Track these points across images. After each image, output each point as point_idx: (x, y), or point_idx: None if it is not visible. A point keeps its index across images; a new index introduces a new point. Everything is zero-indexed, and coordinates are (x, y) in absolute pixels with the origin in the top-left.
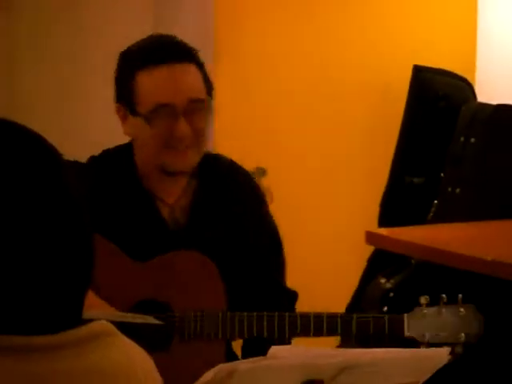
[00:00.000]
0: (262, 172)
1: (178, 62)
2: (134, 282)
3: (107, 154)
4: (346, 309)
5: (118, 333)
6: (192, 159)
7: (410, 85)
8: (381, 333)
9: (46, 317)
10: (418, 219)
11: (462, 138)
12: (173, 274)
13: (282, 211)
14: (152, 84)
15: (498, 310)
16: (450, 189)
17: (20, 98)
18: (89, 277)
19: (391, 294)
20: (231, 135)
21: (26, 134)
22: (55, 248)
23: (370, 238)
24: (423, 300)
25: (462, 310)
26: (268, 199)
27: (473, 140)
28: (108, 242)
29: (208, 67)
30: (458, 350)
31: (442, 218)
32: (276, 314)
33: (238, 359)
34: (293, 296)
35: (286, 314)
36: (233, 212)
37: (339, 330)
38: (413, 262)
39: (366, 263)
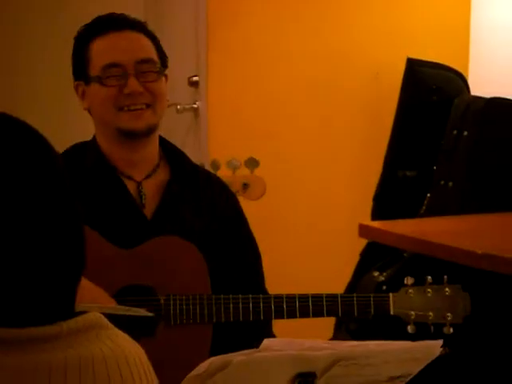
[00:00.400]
0: (255, 163)
1: (127, 28)
2: (117, 268)
3: (76, 146)
4: None
5: (111, 325)
6: (147, 119)
7: (404, 78)
8: (367, 312)
9: (37, 308)
10: (411, 212)
11: (455, 132)
12: (156, 259)
13: (275, 203)
14: (103, 47)
15: (488, 303)
16: (442, 182)
17: (16, 93)
18: (81, 268)
19: (384, 287)
20: (225, 128)
21: (19, 126)
22: (48, 239)
23: (363, 230)
24: (408, 281)
25: (447, 290)
26: (261, 191)
27: (465, 133)
28: (90, 229)
29: (201, 60)
30: (447, 330)
31: (435, 211)
32: (261, 296)
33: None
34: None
35: (272, 296)
36: (206, 200)
37: (325, 312)
38: (405, 255)
39: (359, 256)
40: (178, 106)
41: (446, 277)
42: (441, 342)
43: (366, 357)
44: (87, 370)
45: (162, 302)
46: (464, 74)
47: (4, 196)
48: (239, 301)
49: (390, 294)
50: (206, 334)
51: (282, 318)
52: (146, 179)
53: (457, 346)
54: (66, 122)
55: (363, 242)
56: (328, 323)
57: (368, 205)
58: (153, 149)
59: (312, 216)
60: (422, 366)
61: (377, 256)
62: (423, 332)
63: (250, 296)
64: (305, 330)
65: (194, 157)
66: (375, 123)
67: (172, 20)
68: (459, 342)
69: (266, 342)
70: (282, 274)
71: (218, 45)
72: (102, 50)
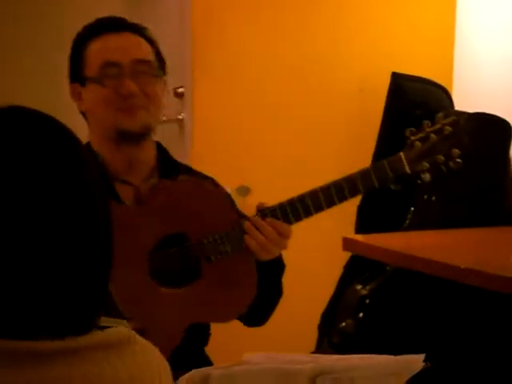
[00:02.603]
0: (246, 190)
1: (127, 30)
2: (143, 226)
3: None
4: (322, 315)
5: (136, 341)
6: (142, 119)
7: (388, 92)
8: (385, 179)
9: (56, 321)
10: (395, 226)
11: None
12: (180, 204)
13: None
14: (100, 47)
15: (470, 317)
16: (425, 196)
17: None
18: (107, 278)
19: (367, 301)
20: (209, 140)
21: (46, 120)
22: (73, 240)
23: (347, 244)
24: (408, 132)
25: (447, 127)
26: (245, 198)
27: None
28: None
29: (187, 71)
30: (453, 165)
31: (418, 225)
32: (296, 198)
33: (212, 364)
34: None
35: (305, 194)
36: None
37: (348, 193)
38: (388, 268)
39: (342, 270)
40: (163, 118)
41: (440, 114)
42: (422, 356)
43: (348, 370)
44: None
45: (198, 242)
46: (448, 88)
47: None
48: (277, 212)
49: (401, 153)
50: (251, 259)
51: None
52: (143, 183)
53: (438, 361)
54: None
55: (347, 255)
56: (310, 337)
57: (352, 218)
58: (149, 152)
59: (296, 229)
60: (403, 381)
61: (360, 269)
62: (438, 173)
63: (286, 202)
64: (287, 344)
65: None
66: (359, 137)
67: (157, 30)
68: (441, 357)
69: (247, 355)
70: None
71: (204, 56)
72: (99, 50)
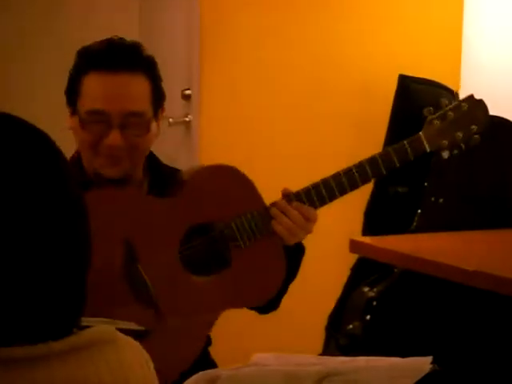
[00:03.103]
0: None
1: (125, 70)
2: (170, 218)
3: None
4: (329, 317)
5: (118, 339)
6: (124, 168)
7: (396, 94)
8: (406, 159)
9: (38, 324)
10: (402, 228)
11: None
12: (205, 193)
13: None
14: (93, 87)
15: (478, 320)
16: (433, 198)
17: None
18: (83, 281)
19: (374, 303)
20: (216, 142)
21: (25, 127)
22: (54, 243)
23: (354, 246)
24: (426, 112)
25: (463, 104)
26: None
27: (456, 151)
28: (127, 190)
29: (194, 73)
30: (474, 141)
31: (425, 227)
32: (320, 181)
33: (217, 367)
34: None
35: (329, 177)
36: None
37: (371, 174)
38: (396, 270)
39: (349, 272)
40: (170, 119)
41: (455, 92)
42: (430, 358)
43: (355, 373)
44: None
45: (226, 226)
46: (455, 91)
47: (9, 201)
48: (302, 195)
49: (420, 133)
50: (278, 243)
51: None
52: None
53: (446, 363)
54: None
55: (354, 257)
56: (317, 338)
57: (359, 220)
58: (136, 174)
59: None
60: (411, 383)
61: (367, 271)
62: (457, 150)
63: (311, 186)
64: (294, 345)
65: None
66: (366, 139)
67: (165, 33)
68: (448, 359)
69: (255, 357)
70: None
71: (211, 58)
72: (92, 92)
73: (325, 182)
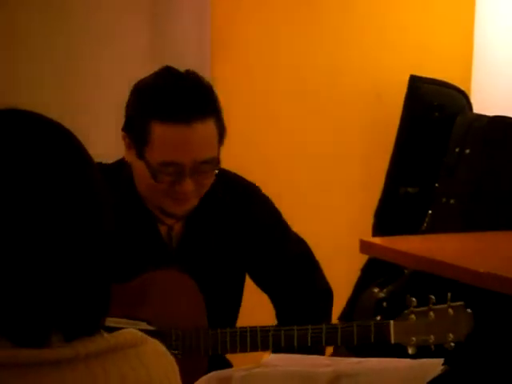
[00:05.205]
0: None
1: (196, 119)
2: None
3: (103, 168)
4: (340, 318)
5: (144, 342)
6: (192, 205)
7: (406, 94)
8: (367, 340)
9: (63, 326)
10: (412, 229)
11: (457, 149)
12: (151, 292)
13: None
14: (166, 140)
15: (491, 321)
16: (444, 199)
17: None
18: (110, 279)
19: (384, 304)
20: (229, 144)
21: (50, 125)
22: (78, 244)
23: (364, 246)
24: (411, 302)
25: (450, 310)
26: None
27: (467, 151)
28: None
29: (206, 73)
30: (448, 346)
31: (436, 228)
32: (258, 328)
33: (231, 366)
34: (326, 293)
35: (270, 326)
36: (234, 225)
37: (324, 341)
38: (406, 271)
39: (359, 272)
40: None
41: (449, 294)
42: (442, 360)
43: (367, 374)
44: None
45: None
46: (466, 91)
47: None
48: (237, 334)
49: (391, 322)
50: (202, 365)
51: (280, 349)
52: (176, 222)
53: (458, 364)
54: (67, 123)
55: (364, 258)
56: None
57: (369, 221)
58: None
59: (313, 231)
60: None
61: (378, 272)
62: (424, 351)
63: (248, 328)
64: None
65: None
66: (377, 139)
67: (176, 36)
68: (460, 360)
69: (267, 357)
70: None
71: (222, 62)
72: (165, 145)
73: (276, 328)
